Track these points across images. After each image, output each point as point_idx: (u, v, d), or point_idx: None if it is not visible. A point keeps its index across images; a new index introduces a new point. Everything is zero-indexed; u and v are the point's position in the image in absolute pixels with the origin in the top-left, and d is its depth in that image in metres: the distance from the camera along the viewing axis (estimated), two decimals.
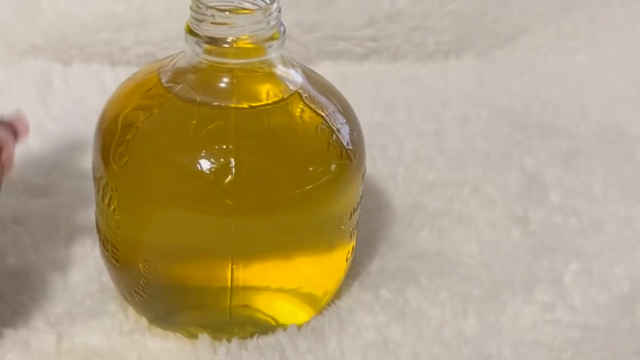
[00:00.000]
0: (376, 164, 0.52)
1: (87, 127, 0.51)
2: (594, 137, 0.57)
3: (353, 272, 0.42)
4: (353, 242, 0.40)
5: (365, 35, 0.63)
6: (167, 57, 0.38)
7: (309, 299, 0.40)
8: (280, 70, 0.36)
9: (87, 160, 0.46)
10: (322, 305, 0.40)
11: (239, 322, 0.38)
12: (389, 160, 0.53)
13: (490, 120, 0.58)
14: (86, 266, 0.42)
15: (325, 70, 0.62)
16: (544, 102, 0.60)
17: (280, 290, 0.39)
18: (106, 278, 0.41)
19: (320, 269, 0.39)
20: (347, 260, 0.40)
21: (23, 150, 0.50)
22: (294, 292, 0.39)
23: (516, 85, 0.63)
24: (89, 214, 0.44)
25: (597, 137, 0.57)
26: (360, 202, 0.39)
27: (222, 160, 0.34)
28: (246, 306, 0.38)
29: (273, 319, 0.39)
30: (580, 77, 0.64)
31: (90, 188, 0.43)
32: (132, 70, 0.58)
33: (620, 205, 0.50)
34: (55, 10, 0.59)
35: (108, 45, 0.59)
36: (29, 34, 0.59)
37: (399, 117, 0.58)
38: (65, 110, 0.55)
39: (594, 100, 0.61)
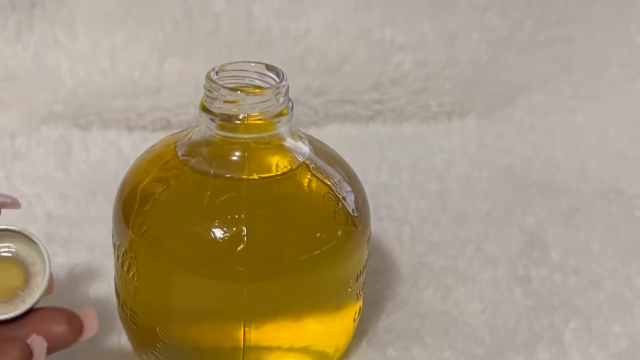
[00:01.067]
0: (382, 224, 0.54)
1: (106, 190, 0.54)
2: (593, 195, 0.59)
3: (360, 332, 0.44)
4: (360, 303, 0.42)
5: (370, 99, 0.65)
6: (183, 130, 0.40)
7: (319, 356, 0.41)
8: (288, 142, 0.38)
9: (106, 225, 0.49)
10: None
11: None
12: (394, 220, 0.55)
13: (492, 179, 0.60)
14: (105, 327, 0.44)
15: (333, 132, 0.65)
16: (544, 162, 0.63)
17: (290, 349, 0.40)
18: (124, 340, 0.42)
19: (329, 329, 0.41)
20: (354, 321, 0.42)
21: (44, 213, 0.53)
22: (304, 351, 0.41)
23: (517, 145, 0.65)
24: (106, 279, 0.47)
25: (596, 196, 0.59)
26: (366, 265, 0.41)
27: (234, 229, 0.36)
28: None
29: None
30: (580, 136, 0.66)
31: (108, 252, 0.45)
32: (147, 135, 0.61)
33: (618, 264, 0.52)
34: (74, 78, 0.61)
35: (125, 112, 0.61)
36: (49, 101, 0.61)
37: (404, 177, 0.60)
38: (84, 175, 0.57)
39: (593, 159, 0.63)
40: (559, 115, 0.68)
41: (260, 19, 0.63)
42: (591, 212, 0.57)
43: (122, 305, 0.40)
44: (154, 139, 0.53)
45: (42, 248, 0.35)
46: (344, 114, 0.65)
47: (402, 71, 0.65)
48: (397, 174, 0.60)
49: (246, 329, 0.37)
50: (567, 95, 0.69)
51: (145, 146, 0.42)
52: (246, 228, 0.36)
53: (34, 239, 0.35)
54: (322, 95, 0.64)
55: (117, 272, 0.39)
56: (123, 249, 0.38)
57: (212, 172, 0.37)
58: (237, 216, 0.36)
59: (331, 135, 0.63)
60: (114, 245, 0.39)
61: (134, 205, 0.38)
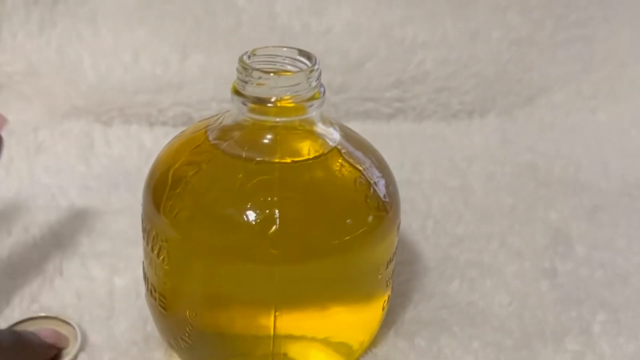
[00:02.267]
0: (406, 218, 0.54)
1: (127, 183, 0.54)
2: (615, 192, 0.59)
3: (388, 321, 0.44)
4: (389, 292, 0.42)
5: (392, 96, 0.65)
6: (213, 116, 0.40)
7: (344, 349, 0.41)
8: (320, 127, 0.38)
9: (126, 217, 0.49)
10: (356, 358, 0.42)
11: None
12: (418, 214, 0.55)
13: (514, 176, 0.60)
14: (131, 316, 0.44)
15: (354, 129, 0.64)
16: (565, 159, 0.62)
17: (319, 339, 0.40)
18: (150, 327, 0.42)
19: (358, 318, 0.40)
20: (383, 310, 0.41)
21: (68, 204, 0.53)
22: (330, 342, 0.40)
23: (538, 143, 0.64)
24: (130, 269, 0.46)
25: (619, 193, 0.59)
26: (395, 252, 0.41)
27: (267, 211, 0.36)
28: (284, 355, 0.40)
29: None
30: (600, 134, 0.66)
31: (131, 242, 0.45)
32: (169, 130, 0.61)
33: None
34: (97, 73, 0.61)
35: (146, 107, 0.61)
36: (72, 96, 0.61)
37: (425, 173, 0.60)
38: (106, 168, 0.57)
39: (614, 157, 0.63)
40: (579, 114, 0.68)
41: (282, 16, 0.63)
42: (614, 209, 0.57)
43: (151, 290, 0.39)
44: (175, 134, 0.53)
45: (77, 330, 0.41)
46: (365, 112, 0.65)
47: (424, 69, 0.65)
48: (418, 170, 0.60)
49: (277, 313, 0.37)
50: (587, 94, 0.69)
51: (167, 141, 0.42)
52: (278, 211, 0.36)
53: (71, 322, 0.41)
54: (344, 92, 0.64)
55: (146, 256, 0.39)
56: (153, 233, 0.38)
57: (243, 155, 0.37)
58: (269, 199, 0.36)
59: None
60: (144, 229, 0.39)
61: (165, 188, 0.37)
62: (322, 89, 0.38)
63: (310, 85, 0.37)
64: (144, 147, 0.60)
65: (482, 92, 0.67)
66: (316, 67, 0.37)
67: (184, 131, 0.41)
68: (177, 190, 0.37)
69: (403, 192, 0.56)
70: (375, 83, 0.65)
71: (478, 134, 0.65)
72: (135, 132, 0.61)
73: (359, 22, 0.64)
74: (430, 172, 0.60)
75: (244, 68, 0.36)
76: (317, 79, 0.37)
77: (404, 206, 0.55)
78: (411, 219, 0.54)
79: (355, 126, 0.64)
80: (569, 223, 0.55)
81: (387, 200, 0.39)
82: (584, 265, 0.50)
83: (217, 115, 0.40)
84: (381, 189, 0.39)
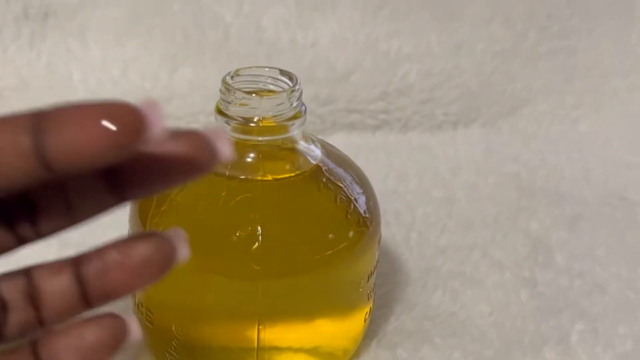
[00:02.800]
0: (390, 229, 0.55)
1: None
2: (597, 202, 0.60)
3: (370, 332, 0.45)
4: (370, 304, 0.43)
5: (377, 108, 0.66)
6: None
7: (328, 358, 0.42)
8: (301, 145, 0.39)
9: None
10: None
11: None
12: (402, 225, 0.56)
13: (498, 186, 0.61)
14: None
15: (340, 140, 0.65)
16: (548, 169, 0.63)
17: (302, 350, 0.41)
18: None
19: (340, 330, 0.41)
20: (365, 321, 0.43)
21: None
22: (314, 352, 0.42)
23: (521, 153, 0.66)
24: None
25: (600, 202, 0.60)
26: (376, 266, 0.42)
27: (249, 228, 0.37)
28: None
29: None
30: (583, 144, 0.67)
31: None
32: None
33: (622, 268, 0.52)
34: (86, 87, 0.62)
35: None
36: None
37: (410, 184, 0.61)
38: None
39: (596, 167, 0.64)
40: (562, 124, 0.69)
41: (269, 30, 0.64)
42: (595, 218, 0.58)
43: (138, 305, 0.40)
44: None
45: None
46: (351, 123, 0.66)
47: (408, 81, 0.66)
48: (403, 181, 0.61)
49: (260, 327, 0.38)
50: (570, 105, 0.70)
51: None
52: (261, 227, 0.37)
53: None
54: (330, 104, 0.65)
55: None
56: None
57: (227, 174, 0.38)
58: (252, 216, 0.37)
59: (338, 144, 0.63)
60: None
61: (151, 206, 0.38)
62: (303, 108, 0.39)
63: (291, 105, 0.38)
64: None
65: (467, 103, 0.68)
66: (297, 87, 0.38)
67: None
68: (162, 208, 0.38)
69: (388, 204, 0.57)
70: (360, 95, 0.66)
71: (462, 144, 0.67)
72: None
73: (345, 35, 0.65)
74: (415, 183, 0.61)
75: (227, 89, 0.37)
76: (299, 98, 0.38)
77: (389, 217, 0.56)
78: (395, 230, 0.55)
79: (341, 137, 0.66)
80: (550, 233, 0.56)
81: (367, 215, 0.40)
82: (564, 274, 0.52)
83: None
84: (361, 205, 0.40)
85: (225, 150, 0.24)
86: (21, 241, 0.26)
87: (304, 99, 0.39)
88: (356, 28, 0.65)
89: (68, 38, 0.62)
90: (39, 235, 0.26)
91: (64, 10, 0.61)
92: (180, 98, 0.63)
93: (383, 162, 0.63)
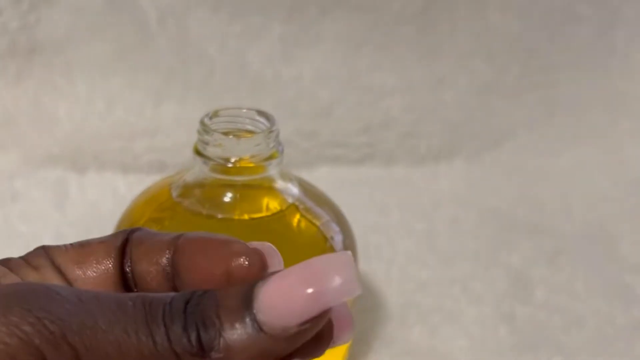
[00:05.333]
0: (371, 264, 0.56)
1: (101, 230, 0.55)
2: (577, 236, 0.60)
3: None
4: (349, 341, 0.43)
5: (360, 142, 0.67)
6: (177, 172, 0.42)
7: None
8: (279, 184, 0.40)
9: None
10: None
11: None
12: (383, 260, 0.56)
13: (479, 220, 0.62)
14: None
15: (323, 174, 0.66)
16: (529, 203, 0.64)
17: None
18: None
19: None
20: (344, 359, 0.43)
21: None
22: None
23: (503, 186, 0.66)
24: None
25: (580, 236, 0.60)
26: (354, 303, 0.42)
27: None
28: None
29: None
30: (564, 178, 0.68)
31: None
32: (143, 176, 0.63)
33: (601, 302, 0.53)
34: (72, 121, 0.62)
35: (121, 154, 0.63)
36: (47, 144, 0.62)
37: (392, 218, 0.62)
38: (80, 215, 0.59)
39: (577, 200, 0.65)
40: (544, 157, 0.70)
41: (253, 65, 0.65)
42: (575, 252, 0.58)
43: None
44: (150, 180, 0.54)
45: None
46: (334, 157, 0.67)
47: (391, 115, 0.67)
48: (385, 214, 0.62)
49: None
50: (552, 139, 0.70)
51: (141, 187, 0.43)
52: None
53: None
54: (313, 138, 0.66)
55: None
56: None
57: (204, 213, 0.39)
58: None
59: (322, 177, 0.65)
60: None
61: None
62: (280, 148, 0.39)
63: (268, 145, 0.38)
64: (118, 193, 0.61)
65: (449, 137, 0.69)
66: (274, 127, 0.39)
67: (149, 188, 0.43)
68: None
69: (370, 238, 0.58)
70: (344, 129, 0.66)
71: (445, 178, 0.67)
72: (109, 178, 0.62)
73: (328, 69, 0.66)
74: (397, 216, 0.62)
75: (205, 130, 0.38)
76: (275, 138, 0.39)
77: (370, 251, 0.57)
78: (376, 265, 0.55)
79: (325, 171, 0.67)
80: (530, 267, 0.56)
81: None
82: (543, 309, 0.52)
83: (180, 171, 0.42)
84: (338, 243, 0.40)
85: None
86: None
87: (287, 132, 0.40)
88: (339, 63, 0.66)
89: (54, 74, 0.62)
90: None
91: (50, 46, 0.62)
92: (164, 132, 0.63)
93: (366, 196, 0.64)
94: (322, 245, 0.39)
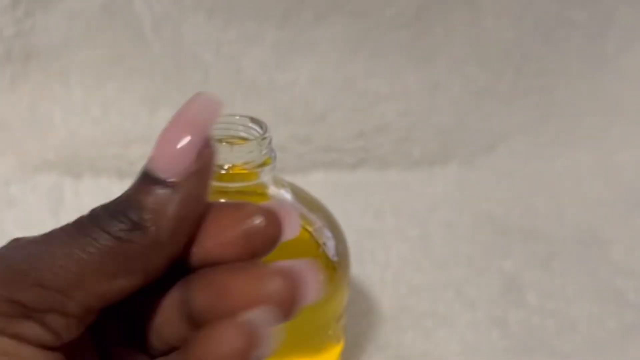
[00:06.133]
0: (365, 268, 0.56)
1: None
2: (570, 240, 0.61)
3: None
4: (341, 345, 0.43)
5: (355, 147, 0.67)
6: None
7: None
8: (272, 190, 0.40)
9: None
10: None
11: None
12: (377, 264, 0.57)
13: (473, 224, 0.62)
14: None
15: (318, 179, 0.67)
16: (523, 207, 0.64)
17: None
18: None
19: None
20: None
21: None
22: None
23: (497, 191, 0.67)
24: None
25: (573, 241, 0.61)
26: (346, 307, 0.43)
27: None
28: None
29: None
30: (557, 183, 0.68)
31: None
32: None
33: (594, 307, 0.53)
34: (67, 127, 0.63)
35: (116, 160, 0.63)
36: (43, 149, 0.63)
37: (387, 223, 0.62)
38: None
39: (570, 205, 0.65)
40: (537, 162, 0.70)
41: (248, 70, 0.65)
42: (568, 257, 0.59)
43: None
44: None
45: None
46: (329, 162, 0.67)
47: (386, 120, 0.67)
48: (380, 219, 0.62)
49: None
50: (545, 143, 0.71)
51: None
52: None
53: None
54: (308, 143, 0.66)
55: None
56: None
57: None
58: None
59: (317, 182, 0.65)
60: None
61: None
62: (273, 154, 0.40)
63: (261, 152, 0.39)
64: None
65: (443, 142, 0.69)
66: (267, 134, 0.39)
67: None
68: None
69: (364, 242, 0.58)
70: (339, 134, 0.67)
71: (439, 182, 0.68)
72: (105, 184, 0.63)
73: (323, 75, 0.66)
74: (391, 221, 0.62)
75: None
76: (268, 145, 0.39)
77: (365, 256, 0.57)
78: (370, 269, 0.56)
79: (320, 176, 0.67)
80: (523, 272, 0.56)
81: (335, 259, 0.41)
82: (535, 314, 0.52)
83: None
84: (330, 249, 0.41)
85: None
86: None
87: (282, 138, 0.40)
88: (334, 68, 0.66)
89: (50, 79, 0.63)
90: None
91: (45, 52, 0.62)
92: None
93: (360, 200, 0.64)
94: (314, 251, 0.40)
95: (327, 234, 0.41)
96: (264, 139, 0.39)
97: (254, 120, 0.40)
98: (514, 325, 0.51)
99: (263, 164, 0.39)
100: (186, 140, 0.25)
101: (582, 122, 0.71)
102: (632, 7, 0.71)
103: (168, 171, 0.25)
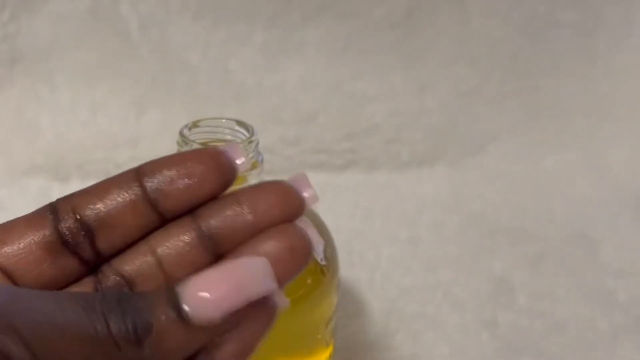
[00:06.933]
0: (355, 270, 0.56)
1: None
2: (559, 240, 0.61)
3: None
4: (330, 349, 0.43)
5: (344, 148, 0.67)
6: None
7: None
8: None
9: None
10: None
11: None
12: (366, 266, 0.56)
13: (462, 225, 0.62)
14: None
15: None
16: (512, 208, 0.64)
17: None
18: None
19: None
20: None
21: None
22: None
23: (486, 191, 0.67)
24: None
25: (562, 241, 0.61)
26: (335, 311, 0.43)
27: None
28: None
29: None
30: (547, 182, 0.68)
31: None
32: None
33: (582, 307, 0.53)
34: (54, 131, 0.62)
35: (104, 163, 0.63)
36: (30, 154, 0.62)
37: (376, 224, 0.62)
38: None
39: (559, 205, 0.65)
40: (527, 162, 0.70)
41: (236, 72, 0.65)
42: (557, 257, 0.59)
43: None
44: None
45: None
46: (318, 163, 0.67)
47: (374, 122, 0.67)
48: (369, 220, 0.62)
49: None
50: (534, 143, 0.71)
51: None
52: None
53: None
54: (297, 145, 0.66)
55: None
56: None
57: None
58: None
59: None
60: None
61: None
62: (260, 158, 0.39)
63: (248, 155, 0.38)
64: None
65: (432, 143, 0.69)
66: (253, 137, 0.39)
67: None
68: None
69: (353, 244, 0.58)
70: (327, 135, 0.67)
71: (428, 183, 0.67)
72: None
73: (311, 77, 0.66)
74: (380, 222, 0.62)
75: (184, 141, 0.38)
76: (255, 148, 0.39)
77: (354, 258, 0.57)
78: (360, 271, 0.56)
79: (309, 177, 0.67)
80: (512, 273, 0.56)
81: (324, 263, 0.40)
82: (525, 315, 0.52)
83: None
84: (319, 253, 0.40)
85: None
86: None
87: (271, 139, 0.39)
88: (322, 70, 0.66)
89: (36, 82, 0.62)
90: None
91: (31, 56, 0.62)
92: (148, 140, 0.63)
93: (350, 202, 0.64)
94: None
95: (316, 238, 0.41)
96: (250, 142, 0.38)
97: (240, 123, 0.39)
98: (503, 326, 0.51)
99: (250, 168, 0.39)
100: (230, 297, 0.24)
101: (571, 122, 0.71)
102: (621, 6, 0.71)
103: (196, 311, 0.23)
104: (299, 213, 0.28)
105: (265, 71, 0.65)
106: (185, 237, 0.27)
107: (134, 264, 0.27)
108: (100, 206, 0.27)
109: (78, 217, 0.27)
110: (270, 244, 0.26)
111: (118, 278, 0.27)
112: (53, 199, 0.61)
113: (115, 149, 0.63)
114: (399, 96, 0.68)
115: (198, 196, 0.27)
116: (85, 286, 0.27)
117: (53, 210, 0.27)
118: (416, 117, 0.68)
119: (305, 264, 0.27)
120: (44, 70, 0.62)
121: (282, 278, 0.26)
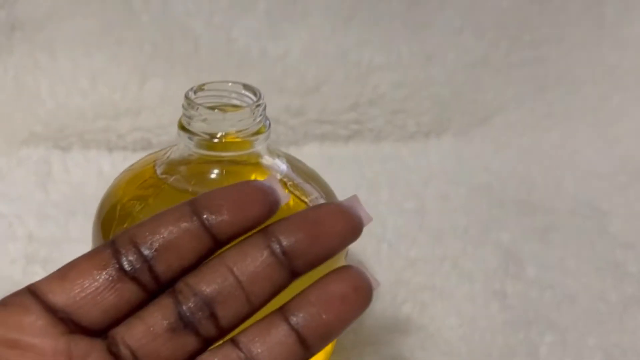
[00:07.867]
0: (361, 241, 0.54)
1: (86, 210, 0.54)
2: (568, 212, 0.60)
3: (338, 347, 0.45)
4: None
5: (349, 119, 0.66)
6: (162, 149, 0.41)
7: None
8: (266, 160, 0.39)
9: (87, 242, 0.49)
10: None
11: None
12: (373, 237, 0.56)
13: (469, 197, 0.61)
14: None
15: (312, 151, 0.66)
16: (519, 179, 0.64)
17: None
18: None
19: None
20: None
21: (25, 234, 0.53)
22: None
23: (493, 163, 0.66)
24: None
25: (571, 213, 0.60)
26: None
27: None
28: None
29: None
30: (554, 154, 0.67)
31: None
32: (128, 155, 0.62)
33: (592, 278, 0.52)
34: (55, 99, 0.61)
35: (105, 132, 0.62)
36: (30, 122, 0.61)
37: (382, 195, 0.61)
38: (64, 195, 0.58)
39: (567, 176, 0.64)
40: (534, 133, 0.69)
41: (239, 41, 0.63)
42: (566, 229, 0.58)
43: None
44: (134, 159, 0.53)
45: None
46: (322, 134, 0.66)
47: (380, 92, 0.66)
48: (375, 191, 0.61)
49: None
50: (542, 114, 0.70)
51: (126, 166, 0.42)
52: None
53: None
54: (301, 115, 0.65)
55: None
56: None
57: (190, 190, 0.38)
58: None
59: (310, 155, 0.64)
60: None
61: (113, 223, 0.38)
62: (267, 123, 0.38)
63: (255, 120, 0.37)
64: (103, 173, 0.60)
65: (438, 113, 0.68)
66: (261, 101, 0.38)
67: (132, 165, 0.41)
68: (124, 225, 0.37)
69: None
70: (332, 106, 0.65)
71: (434, 154, 0.67)
72: (94, 157, 0.61)
73: (316, 46, 0.65)
74: (386, 193, 0.61)
75: (190, 104, 0.37)
76: (262, 113, 0.38)
77: None
78: (366, 242, 0.55)
79: (313, 148, 0.66)
80: (521, 244, 0.56)
81: None
82: (534, 286, 0.52)
83: (165, 148, 0.41)
84: None
85: None
86: (206, 342, 0.27)
87: (275, 110, 0.39)
88: (327, 39, 0.65)
89: (36, 50, 0.61)
90: (222, 331, 0.27)
91: (31, 23, 0.60)
92: (149, 110, 0.62)
93: (355, 173, 0.63)
94: None
95: None
96: (257, 106, 0.37)
97: (247, 87, 0.38)
98: (512, 298, 0.50)
99: (257, 132, 0.38)
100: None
101: (579, 92, 0.70)
102: None
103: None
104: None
105: (269, 40, 0.64)
106: (261, 255, 0.28)
107: (215, 283, 0.27)
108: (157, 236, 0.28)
109: (136, 247, 0.27)
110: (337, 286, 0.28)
111: (199, 298, 0.27)
112: (53, 169, 0.61)
113: (117, 118, 0.62)
114: (404, 66, 0.67)
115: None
116: (165, 308, 0.27)
117: (112, 243, 0.28)
118: (422, 88, 0.67)
119: (369, 303, 0.29)
120: (43, 38, 0.61)
121: (349, 316, 0.29)
